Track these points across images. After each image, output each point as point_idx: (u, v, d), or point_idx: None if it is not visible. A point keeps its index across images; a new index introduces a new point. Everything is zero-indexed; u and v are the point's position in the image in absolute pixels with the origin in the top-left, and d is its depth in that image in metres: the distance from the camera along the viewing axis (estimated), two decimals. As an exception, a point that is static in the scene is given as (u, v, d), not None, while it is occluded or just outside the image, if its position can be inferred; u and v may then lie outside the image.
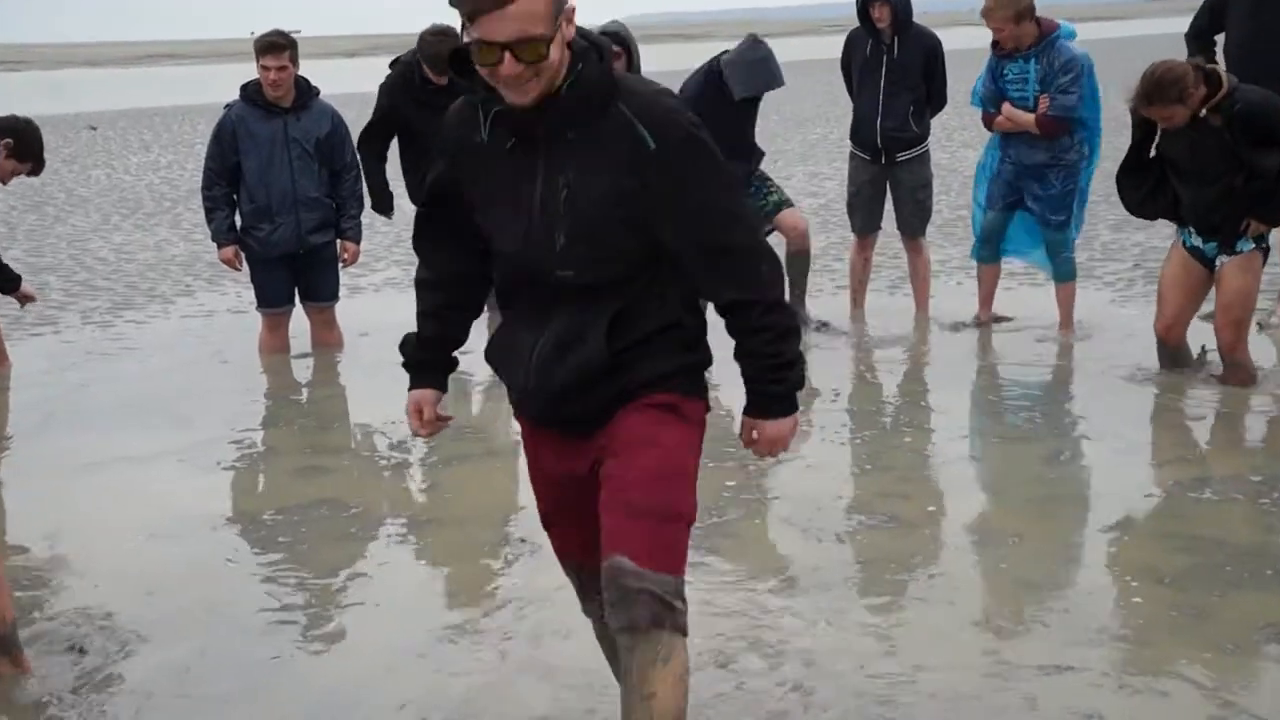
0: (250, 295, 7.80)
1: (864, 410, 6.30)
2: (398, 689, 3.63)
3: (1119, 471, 5.26)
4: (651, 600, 2.70)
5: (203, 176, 7.35)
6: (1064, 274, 7.37)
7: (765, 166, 7.69)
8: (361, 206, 7.50)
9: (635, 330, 2.80)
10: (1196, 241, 6.21)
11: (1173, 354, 6.41)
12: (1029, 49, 6.99)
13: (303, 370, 7.35)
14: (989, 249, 7.47)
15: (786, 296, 2.93)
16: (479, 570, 4.48)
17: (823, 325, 7.67)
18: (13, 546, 4.82)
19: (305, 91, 7.22)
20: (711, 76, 7.17)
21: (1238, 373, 6.21)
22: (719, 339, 2.90)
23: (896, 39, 7.54)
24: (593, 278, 2.76)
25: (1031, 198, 7.21)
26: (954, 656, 3.72)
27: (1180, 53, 6.88)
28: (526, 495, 3.79)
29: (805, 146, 18.02)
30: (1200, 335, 6.52)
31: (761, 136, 7.73)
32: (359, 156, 7.47)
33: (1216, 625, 3.86)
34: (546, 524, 3.14)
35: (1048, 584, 4.19)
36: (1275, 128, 5.82)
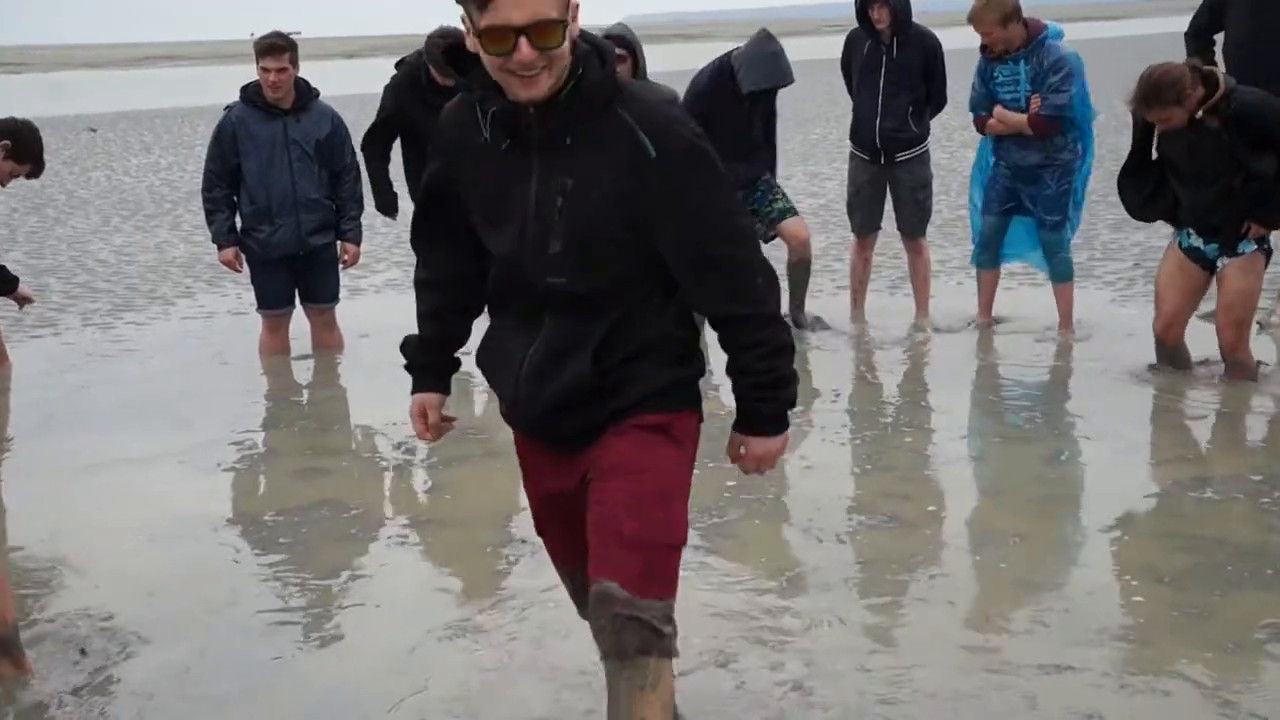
0: (250, 297, 7.80)
1: (864, 410, 6.30)
2: (398, 689, 3.63)
3: (1119, 471, 5.26)
4: (640, 627, 2.70)
5: (203, 178, 7.35)
6: (1061, 274, 7.38)
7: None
8: (361, 208, 7.50)
9: (626, 346, 2.77)
10: (1196, 243, 6.21)
11: (1171, 353, 6.42)
12: (1018, 50, 7.00)
13: (303, 372, 7.36)
14: (988, 255, 7.47)
15: (783, 310, 2.90)
16: (479, 571, 4.49)
17: (817, 320, 7.69)
18: (13, 548, 4.83)
19: (305, 93, 7.23)
20: (723, 71, 7.19)
21: (1240, 371, 6.23)
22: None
23: (895, 39, 7.54)
24: (585, 286, 2.73)
25: (1028, 199, 7.21)
26: (954, 656, 3.72)
27: (1176, 52, 6.88)
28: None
29: (805, 146, 18.03)
30: (1200, 335, 6.52)
31: (761, 137, 7.72)
32: (363, 157, 7.47)
33: (1217, 625, 3.86)
34: (539, 529, 3.15)
35: (1048, 584, 4.19)
36: (1272, 129, 5.82)
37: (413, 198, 7.67)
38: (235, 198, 7.25)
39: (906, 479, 5.26)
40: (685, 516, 2.85)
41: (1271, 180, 5.87)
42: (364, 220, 7.58)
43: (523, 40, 2.54)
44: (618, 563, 2.72)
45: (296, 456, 5.84)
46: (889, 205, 7.87)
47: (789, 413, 2.89)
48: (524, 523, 4.66)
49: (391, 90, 7.51)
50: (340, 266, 7.49)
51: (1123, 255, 9.56)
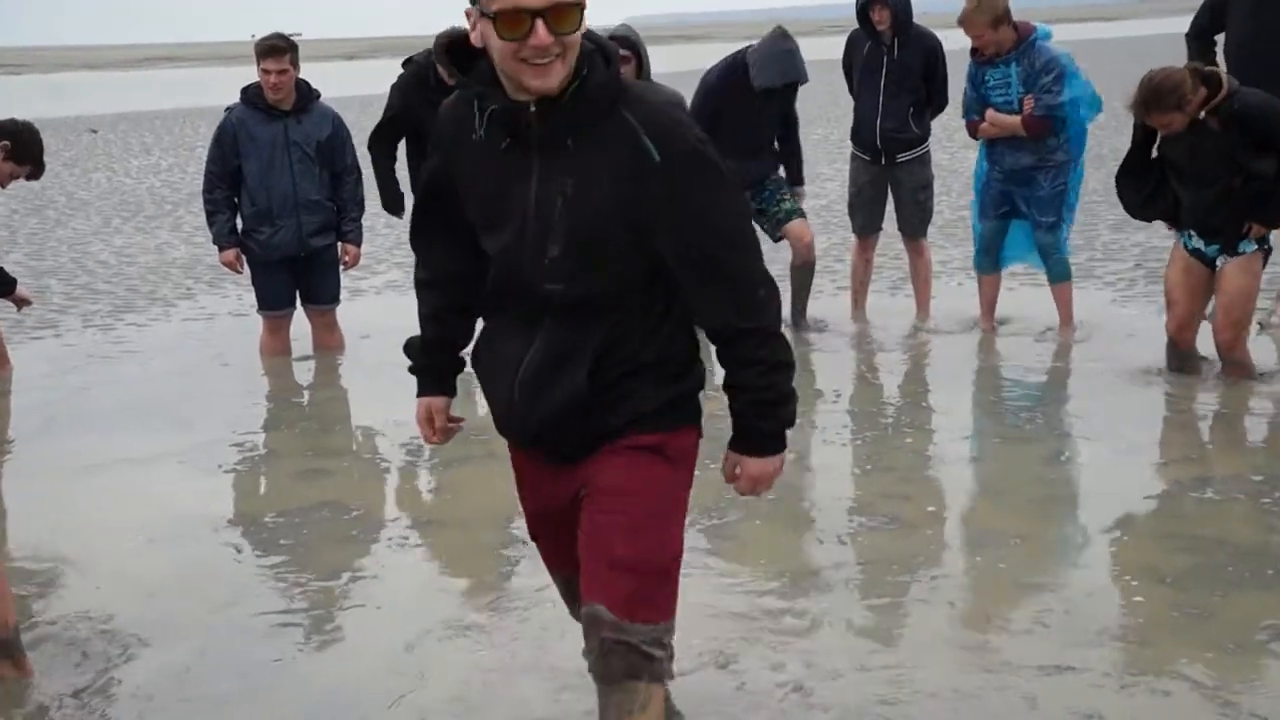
0: (251, 298, 7.80)
1: (865, 411, 6.30)
2: (398, 690, 3.63)
3: (1120, 472, 5.26)
4: (628, 652, 2.68)
5: (204, 180, 7.35)
6: (1058, 274, 7.38)
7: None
8: (362, 209, 7.50)
9: (624, 360, 2.71)
10: (1198, 244, 6.22)
11: (1182, 355, 6.40)
12: (1009, 53, 7.01)
13: (304, 373, 7.36)
14: (988, 259, 7.48)
15: (784, 312, 2.85)
16: (480, 571, 4.49)
17: (818, 322, 7.69)
18: (14, 549, 4.83)
19: (306, 94, 7.23)
20: (735, 67, 7.21)
21: (1239, 370, 6.23)
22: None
23: (896, 40, 7.54)
24: (582, 293, 2.67)
25: (1022, 201, 7.22)
26: (954, 657, 3.72)
27: (1172, 53, 6.88)
28: (527, 497, 3.79)
29: (807, 147, 17.74)
30: (1200, 335, 6.51)
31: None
32: (370, 156, 7.47)
33: (1218, 625, 3.86)
34: (533, 536, 3.12)
35: (1048, 584, 4.19)
36: (1274, 131, 5.82)
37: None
38: (236, 199, 7.25)
39: (907, 480, 5.26)
40: (680, 537, 2.82)
41: (1272, 181, 5.87)
42: (365, 221, 7.58)
43: (539, 23, 2.47)
44: (607, 586, 2.69)
45: (297, 457, 5.84)
46: (890, 206, 7.88)
47: (787, 432, 2.83)
48: (524, 524, 4.65)
49: (398, 90, 7.49)
50: (341, 268, 7.49)
51: (1123, 256, 9.56)
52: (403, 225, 9.91)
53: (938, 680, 3.57)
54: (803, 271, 7.62)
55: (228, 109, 7.30)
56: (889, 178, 7.76)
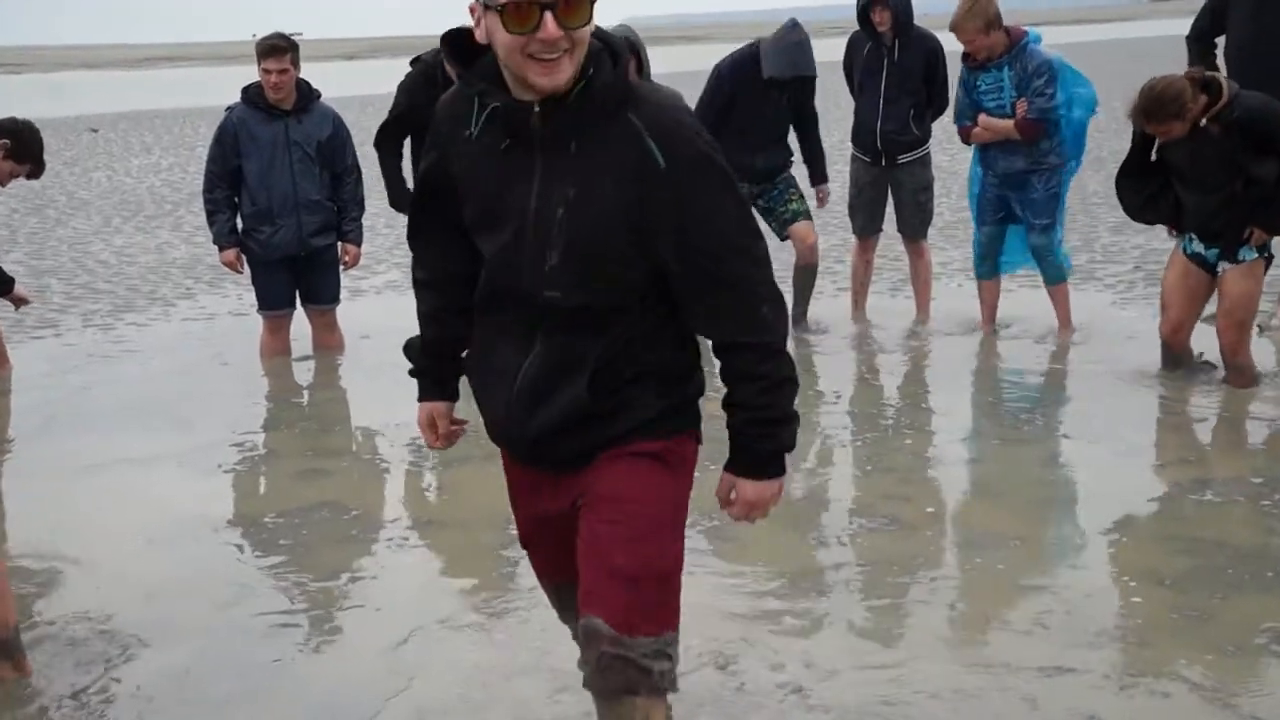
0: (251, 298, 7.80)
1: (865, 412, 6.30)
2: (398, 690, 3.63)
3: (1119, 473, 5.26)
4: (625, 667, 2.61)
5: (204, 179, 7.35)
6: (1054, 276, 7.38)
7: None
8: (362, 209, 7.50)
9: (625, 370, 2.64)
10: (1198, 248, 6.22)
11: (1176, 357, 6.43)
12: (1000, 58, 7.01)
13: (304, 373, 7.36)
14: (987, 265, 7.48)
15: (788, 341, 2.70)
16: (480, 572, 4.49)
17: (818, 325, 7.69)
18: (14, 549, 4.83)
19: (306, 94, 7.23)
20: (746, 58, 7.22)
21: (1240, 375, 6.23)
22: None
23: (897, 42, 7.54)
24: (582, 301, 2.58)
25: (1017, 205, 7.22)
26: (954, 657, 3.72)
27: (1170, 53, 6.88)
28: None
29: (806, 149, 17.97)
30: (1200, 336, 6.51)
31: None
32: (377, 154, 7.45)
33: (1217, 627, 3.86)
34: (525, 545, 3.05)
35: (1048, 586, 4.19)
36: (1274, 132, 5.82)
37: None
38: (236, 199, 7.25)
39: (907, 481, 5.26)
40: (680, 545, 2.76)
41: (1272, 185, 5.87)
42: (365, 221, 7.59)
43: (548, 16, 2.39)
44: (606, 598, 2.63)
45: (297, 458, 5.84)
46: (890, 207, 7.88)
47: (786, 457, 2.74)
48: (524, 524, 4.67)
49: (405, 89, 7.48)
50: (341, 268, 7.49)
51: (1123, 258, 9.56)
52: (403, 225, 9.89)
53: (938, 680, 3.57)
54: (805, 273, 7.64)
55: (228, 108, 7.30)
56: (889, 179, 7.77)
